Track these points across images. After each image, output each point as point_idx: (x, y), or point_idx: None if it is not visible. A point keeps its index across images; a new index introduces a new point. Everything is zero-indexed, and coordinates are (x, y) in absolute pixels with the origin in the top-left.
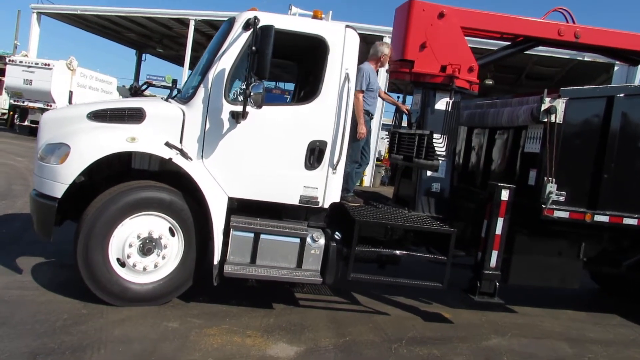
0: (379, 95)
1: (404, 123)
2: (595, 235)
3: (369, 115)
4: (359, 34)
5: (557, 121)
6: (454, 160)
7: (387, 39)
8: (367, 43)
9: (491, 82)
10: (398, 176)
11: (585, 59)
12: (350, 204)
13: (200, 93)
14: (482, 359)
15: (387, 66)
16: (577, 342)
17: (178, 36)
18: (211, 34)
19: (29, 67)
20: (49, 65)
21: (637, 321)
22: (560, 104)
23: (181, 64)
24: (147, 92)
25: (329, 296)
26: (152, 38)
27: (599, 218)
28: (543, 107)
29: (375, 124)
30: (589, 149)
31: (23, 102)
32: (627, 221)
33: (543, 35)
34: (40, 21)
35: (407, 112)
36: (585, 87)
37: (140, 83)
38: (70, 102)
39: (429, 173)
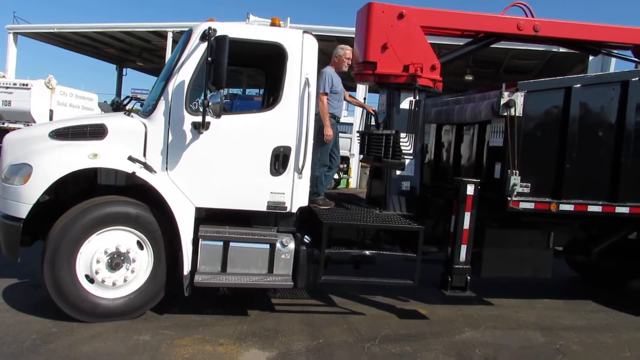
0: (344, 98)
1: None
2: (563, 224)
3: (335, 118)
4: (331, 36)
5: (517, 114)
6: (423, 158)
7: None
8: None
9: (471, 78)
10: (370, 177)
11: (560, 50)
12: (320, 207)
13: (161, 105)
14: (454, 353)
15: (346, 68)
16: (551, 330)
17: (157, 49)
18: None
19: (7, 88)
20: (27, 85)
21: (611, 306)
22: (519, 97)
23: None
24: (130, 106)
25: (305, 299)
26: (132, 52)
27: (564, 207)
28: (502, 101)
29: (356, 126)
30: (550, 140)
31: (3, 123)
32: (592, 208)
33: (502, 30)
34: (17, 41)
35: (373, 113)
36: (542, 79)
37: (123, 97)
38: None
39: (398, 172)
